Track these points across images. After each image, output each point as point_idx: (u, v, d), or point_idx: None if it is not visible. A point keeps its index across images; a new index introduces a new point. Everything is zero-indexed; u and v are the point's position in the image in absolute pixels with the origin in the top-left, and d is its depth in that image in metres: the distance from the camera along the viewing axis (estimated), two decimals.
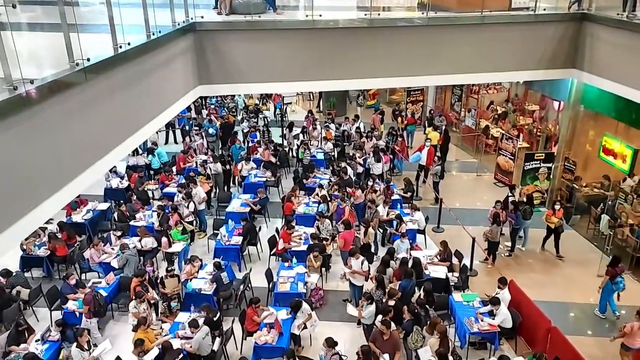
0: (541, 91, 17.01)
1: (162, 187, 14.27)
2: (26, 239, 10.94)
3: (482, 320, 8.89)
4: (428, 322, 8.59)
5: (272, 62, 10.08)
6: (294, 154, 17.30)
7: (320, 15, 10.02)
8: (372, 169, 14.76)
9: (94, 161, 5.96)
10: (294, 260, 10.84)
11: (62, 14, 5.29)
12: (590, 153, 13.94)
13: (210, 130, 17.44)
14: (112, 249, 11.31)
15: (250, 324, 8.98)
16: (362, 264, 9.97)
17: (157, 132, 17.49)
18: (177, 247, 11.39)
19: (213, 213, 14.05)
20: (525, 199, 13.10)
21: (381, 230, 12.36)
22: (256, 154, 16.10)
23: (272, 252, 11.68)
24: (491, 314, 8.94)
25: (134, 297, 9.21)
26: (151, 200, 13.96)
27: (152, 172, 15.53)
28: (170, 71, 8.58)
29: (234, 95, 21.60)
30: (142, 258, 11.15)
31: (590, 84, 11.23)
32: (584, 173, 13.70)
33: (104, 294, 9.89)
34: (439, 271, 10.36)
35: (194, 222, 12.74)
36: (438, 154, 15.86)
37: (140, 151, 16.18)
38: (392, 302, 8.99)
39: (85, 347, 8.30)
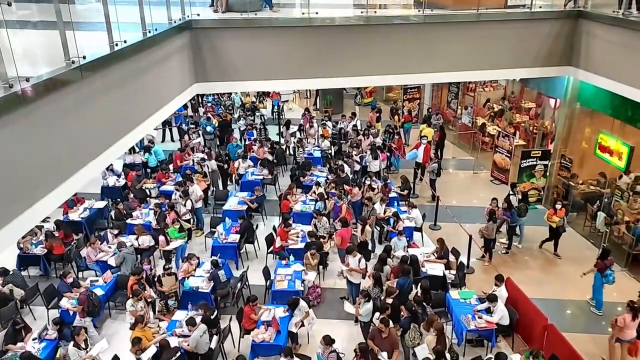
0: (537, 89, 17.08)
1: (159, 185, 14.26)
2: (23, 238, 10.92)
3: (479, 318, 8.91)
4: (425, 320, 8.62)
5: (268, 59, 10.07)
6: (291, 152, 17.32)
7: (317, 13, 10.02)
8: (370, 166, 14.76)
9: (91, 159, 5.95)
10: (292, 258, 10.84)
11: (58, 11, 5.28)
12: (587, 150, 13.98)
13: (208, 129, 17.41)
14: (109, 247, 11.30)
15: (247, 321, 8.99)
16: (359, 261, 9.97)
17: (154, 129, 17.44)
18: (175, 245, 11.38)
19: (210, 211, 14.05)
20: (520, 196, 13.13)
21: (378, 228, 12.37)
22: (253, 152, 16.11)
23: (269, 250, 11.68)
24: (488, 311, 8.97)
25: (131, 296, 9.19)
26: (148, 199, 13.94)
27: (149, 170, 15.52)
28: (166, 69, 8.56)
29: (230, 93, 21.60)
30: (139, 256, 11.14)
31: (586, 82, 11.26)
32: (580, 170, 13.73)
33: (101, 292, 9.90)
34: (436, 269, 10.37)
35: (191, 220, 12.73)
36: (434, 151, 15.89)
37: (137, 149, 16.16)
38: (390, 300, 9.01)
39: (83, 346, 8.28)
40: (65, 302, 9.55)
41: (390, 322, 8.33)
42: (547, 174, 14.13)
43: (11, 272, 10.40)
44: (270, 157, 15.60)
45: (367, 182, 13.60)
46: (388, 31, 10.42)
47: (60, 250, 11.27)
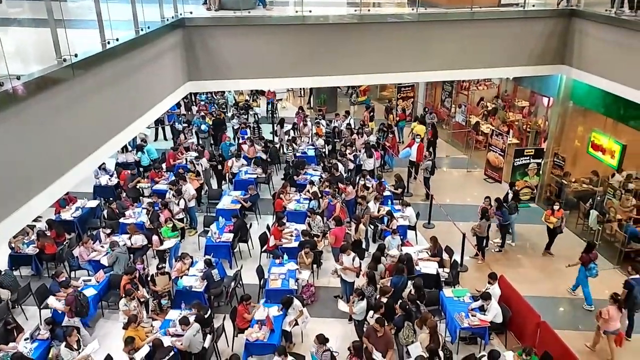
0: (530, 87, 17.12)
1: (153, 185, 14.19)
2: (14, 237, 10.83)
3: (473, 316, 8.94)
4: (419, 318, 8.63)
5: (261, 58, 10.05)
6: (285, 151, 17.28)
7: (310, 11, 10.00)
8: (364, 164, 14.77)
9: (83, 158, 5.92)
10: (285, 257, 10.82)
11: (49, 9, 5.23)
12: (579, 149, 14.05)
13: (202, 127, 17.36)
14: (102, 246, 11.24)
15: (241, 321, 8.97)
16: (353, 260, 9.97)
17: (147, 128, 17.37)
18: (168, 244, 11.33)
19: (203, 210, 14.01)
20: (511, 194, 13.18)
21: (372, 227, 12.37)
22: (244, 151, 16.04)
23: (263, 249, 11.66)
24: (482, 309, 9.00)
25: (124, 295, 9.15)
26: (141, 198, 13.88)
27: (141, 169, 15.44)
28: (159, 67, 8.52)
29: (224, 92, 21.53)
30: (132, 256, 11.09)
31: (579, 80, 11.31)
32: (573, 169, 13.80)
33: (94, 292, 9.85)
34: (429, 267, 10.39)
35: (184, 220, 12.69)
36: (427, 149, 15.90)
37: (129, 148, 16.08)
38: (384, 299, 9.02)
39: (75, 346, 8.22)
40: (53, 301, 9.39)
41: (385, 321, 8.33)
42: (540, 172, 14.18)
43: (2, 272, 10.34)
44: (263, 156, 15.56)
45: (361, 181, 13.61)
46: (381, 29, 10.42)
47: (52, 249, 11.20)
